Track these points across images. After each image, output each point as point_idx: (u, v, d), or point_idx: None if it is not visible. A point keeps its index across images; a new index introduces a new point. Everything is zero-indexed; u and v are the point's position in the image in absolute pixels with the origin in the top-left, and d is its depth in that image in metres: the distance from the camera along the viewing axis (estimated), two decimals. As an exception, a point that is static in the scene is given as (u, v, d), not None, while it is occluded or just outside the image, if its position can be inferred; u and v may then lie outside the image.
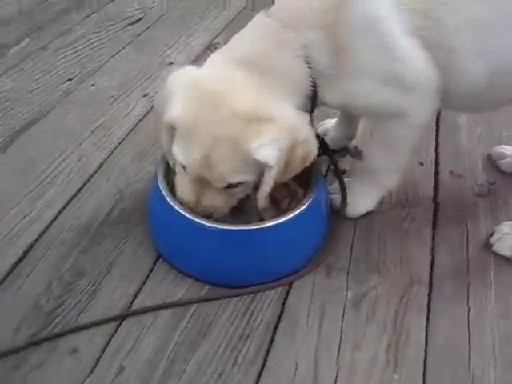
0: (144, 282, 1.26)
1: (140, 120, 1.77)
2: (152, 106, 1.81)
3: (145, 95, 1.89)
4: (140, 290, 1.24)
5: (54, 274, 1.25)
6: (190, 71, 1.21)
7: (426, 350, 1.16)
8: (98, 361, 1.10)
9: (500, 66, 1.19)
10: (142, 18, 2.40)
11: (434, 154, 1.69)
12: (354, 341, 1.16)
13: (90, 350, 1.11)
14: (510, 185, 1.58)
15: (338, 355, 1.13)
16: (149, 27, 2.34)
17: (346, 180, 1.44)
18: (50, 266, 1.27)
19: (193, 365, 1.10)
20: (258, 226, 1.23)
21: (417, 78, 1.18)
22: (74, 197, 1.47)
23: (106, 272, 1.27)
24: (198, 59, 2.06)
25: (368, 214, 1.44)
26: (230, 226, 1.22)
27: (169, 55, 2.14)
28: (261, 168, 1.15)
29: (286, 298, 1.25)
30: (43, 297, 1.20)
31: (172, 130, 1.17)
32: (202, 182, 1.18)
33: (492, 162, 1.66)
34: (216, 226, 1.20)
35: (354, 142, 1.66)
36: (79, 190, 1.49)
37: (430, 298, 1.26)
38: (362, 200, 1.43)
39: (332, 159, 1.51)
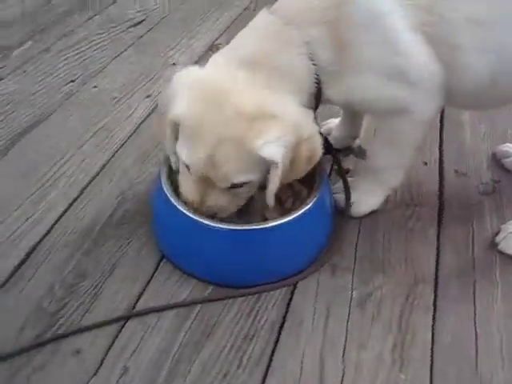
0: (148, 283, 1.25)
1: (142, 122, 1.77)
2: (154, 108, 1.80)
3: (147, 97, 1.89)
4: (144, 290, 1.23)
5: (56, 276, 1.25)
6: (194, 71, 1.21)
7: (432, 349, 1.15)
8: (101, 362, 1.09)
9: (503, 64, 1.19)
10: (143, 20, 2.40)
11: (438, 152, 1.69)
12: (360, 340, 1.16)
13: (93, 351, 1.11)
14: (515, 183, 1.58)
15: (343, 355, 1.13)
16: (151, 29, 2.34)
17: (349, 179, 1.44)
18: (53, 268, 1.27)
19: (197, 365, 1.10)
20: (262, 226, 1.22)
21: (420, 72, 1.18)
22: (76, 199, 1.46)
23: (109, 273, 1.26)
24: (200, 60, 2.06)
25: (373, 213, 1.44)
26: (234, 226, 1.21)
27: (171, 57, 2.14)
28: (266, 167, 1.15)
29: (290, 298, 1.24)
30: (46, 299, 1.20)
31: (176, 127, 1.17)
32: (206, 182, 1.17)
33: (496, 161, 1.66)
34: (220, 226, 1.20)
35: (357, 142, 1.66)
36: (81, 192, 1.48)
37: (435, 297, 1.25)
38: (366, 199, 1.42)
39: (336, 158, 1.51)
